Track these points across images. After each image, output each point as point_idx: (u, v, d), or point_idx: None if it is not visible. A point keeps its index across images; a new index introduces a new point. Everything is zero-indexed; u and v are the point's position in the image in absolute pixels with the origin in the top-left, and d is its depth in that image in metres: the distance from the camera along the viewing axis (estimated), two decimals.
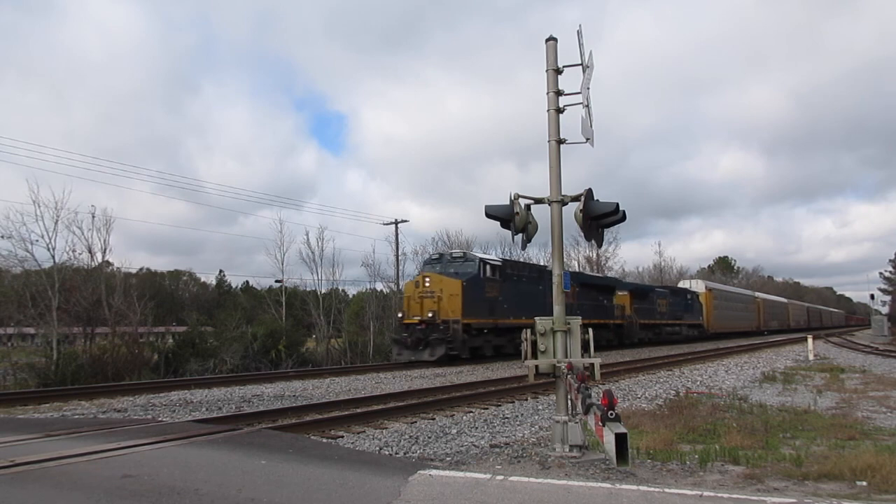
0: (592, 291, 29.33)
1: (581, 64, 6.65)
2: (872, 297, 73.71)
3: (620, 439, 4.63)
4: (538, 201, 6.69)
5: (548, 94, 6.65)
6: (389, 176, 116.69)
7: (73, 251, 24.46)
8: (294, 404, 10.42)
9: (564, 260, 6.72)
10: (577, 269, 42.99)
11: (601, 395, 5.11)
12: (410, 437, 7.55)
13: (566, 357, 6.26)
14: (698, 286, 48.06)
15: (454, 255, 22.74)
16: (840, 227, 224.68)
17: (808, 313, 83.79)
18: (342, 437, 7.70)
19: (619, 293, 33.72)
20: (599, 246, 7.98)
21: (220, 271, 70.00)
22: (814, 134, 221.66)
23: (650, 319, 36.04)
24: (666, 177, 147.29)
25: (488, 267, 22.37)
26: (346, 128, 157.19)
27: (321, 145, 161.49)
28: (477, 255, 23.19)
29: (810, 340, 24.26)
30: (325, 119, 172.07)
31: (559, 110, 6.61)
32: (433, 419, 8.94)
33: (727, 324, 49.93)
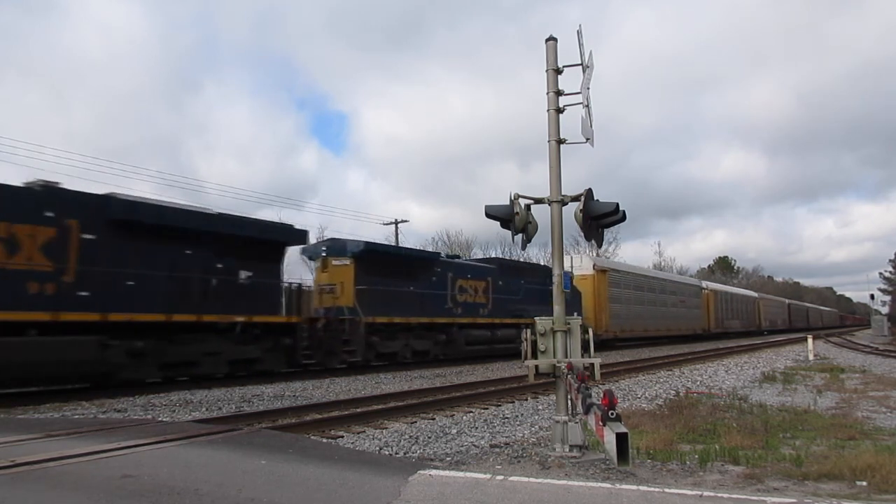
0: (199, 252, 13.78)
1: (581, 64, 6.66)
2: (872, 297, 73.80)
3: (621, 439, 4.63)
4: (538, 201, 6.69)
5: (548, 94, 6.65)
6: (391, 176, 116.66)
7: None
8: (294, 404, 10.43)
9: None
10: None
11: (601, 394, 5.11)
12: (410, 437, 7.56)
13: (566, 357, 6.27)
14: (580, 265, 30.44)
15: None
16: (841, 227, 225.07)
17: (788, 311, 69.53)
18: (342, 437, 7.70)
19: (338, 261, 17.94)
20: (599, 246, 7.99)
21: None
22: (815, 133, 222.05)
23: (434, 316, 19.68)
24: (667, 176, 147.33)
25: None
26: (347, 127, 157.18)
27: (322, 145, 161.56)
28: None
29: (810, 340, 24.30)
30: (327, 118, 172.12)
31: (559, 110, 6.62)
32: (433, 419, 8.94)
33: (638, 324, 33.32)
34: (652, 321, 35.41)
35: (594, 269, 30.59)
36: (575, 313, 20.09)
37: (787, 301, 72.69)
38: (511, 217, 6.61)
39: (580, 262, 31.03)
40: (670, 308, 38.19)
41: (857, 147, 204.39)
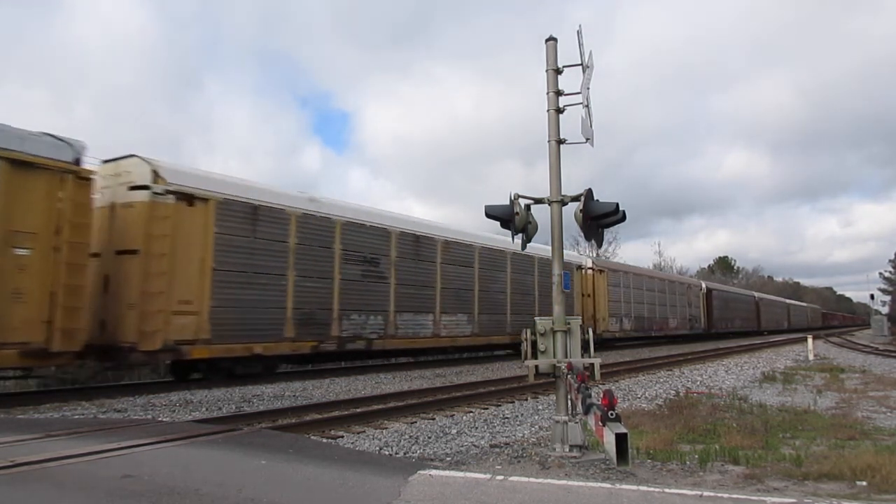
0: None
1: (581, 64, 6.66)
2: (872, 297, 73.77)
3: (621, 439, 4.64)
4: (538, 201, 6.69)
5: (548, 94, 6.66)
6: (394, 174, 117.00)
7: None
8: (294, 404, 10.42)
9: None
10: None
11: (601, 395, 5.12)
12: (410, 437, 7.56)
13: (566, 357, 6.27)
14: None
15: None
16: (844, 227, 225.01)
17: (706, 303, 41.87)
18: (342, 437, 7.70)
19: None
20: (599, 246, 7.99)
21: None
22: (819, 132, 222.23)
23: None
24: (669, 176, 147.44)
25: None
26: (349, 126, 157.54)
27: (325, 143, 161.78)
28: None
29: (810, 340, 24.24)
30: (329, 117, 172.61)
31: (559, 110, 6.62)
32: (433, 419, 8.94)
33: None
34: None
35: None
36: None
37: (703, 284, 43.76)
38: (511, 217, 6.61)
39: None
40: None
41: (861, 146, 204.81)
